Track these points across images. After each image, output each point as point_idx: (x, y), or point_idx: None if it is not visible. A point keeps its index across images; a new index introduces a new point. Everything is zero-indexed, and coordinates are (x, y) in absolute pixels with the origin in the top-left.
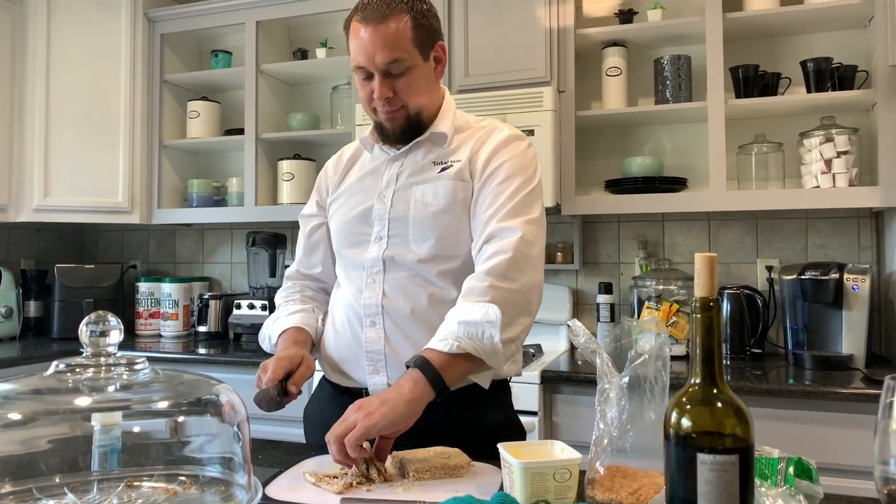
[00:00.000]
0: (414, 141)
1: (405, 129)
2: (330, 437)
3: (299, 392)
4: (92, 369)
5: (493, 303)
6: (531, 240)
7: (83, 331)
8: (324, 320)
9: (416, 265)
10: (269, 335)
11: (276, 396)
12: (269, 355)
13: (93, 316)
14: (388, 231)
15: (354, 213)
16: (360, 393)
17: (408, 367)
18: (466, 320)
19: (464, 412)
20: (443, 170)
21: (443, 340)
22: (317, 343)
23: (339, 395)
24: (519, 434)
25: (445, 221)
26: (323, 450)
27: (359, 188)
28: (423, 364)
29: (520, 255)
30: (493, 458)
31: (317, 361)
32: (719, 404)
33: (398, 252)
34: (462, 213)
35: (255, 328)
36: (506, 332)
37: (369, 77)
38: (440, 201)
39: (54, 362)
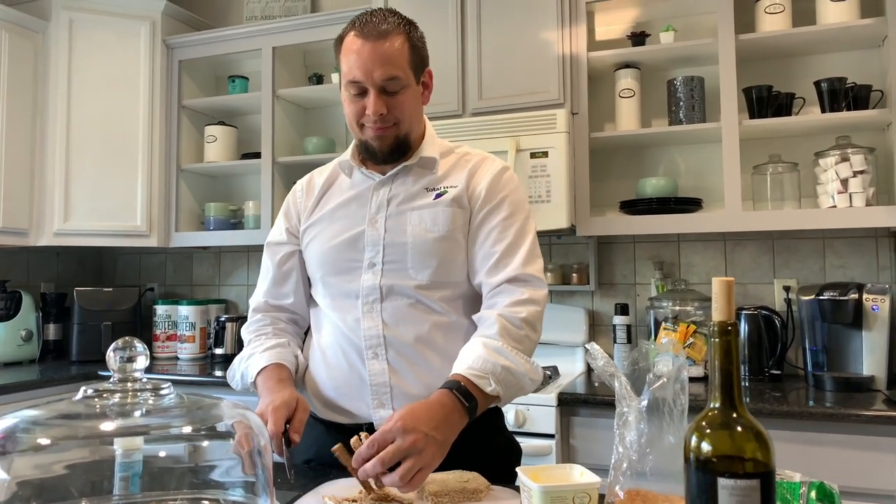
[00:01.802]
0: (402, 165)
1: (393, 149)
2: (374, 462)
3: (299, 439)
4: (119, 394)
5: (528, 353)
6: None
7: (111, 357)
8: (299, 353)
9: (416, 292)
10: (242, 373)
11: (288, 455)
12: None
13: (120, 342)
14: (383, 257)
15: (341, 239)
16: (360, 429)
17: (448, 388)
18: (511, 369)
19: (471, 435)
20: (438, 196)
21: (484, 378)
22: (297, 379)
23: (335, 435)
24: (519, 452)
25: (445, 247)
26: (341, 475)
27: (343, 214)
28: (472, 411)
29: (544, 309)
30: (502, 480)
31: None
32: (739, 428)
33: (396, 279)
34: (461, 238)
35: None
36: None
37: (362, 93)
38: (440, 227)
39: (82, 388)
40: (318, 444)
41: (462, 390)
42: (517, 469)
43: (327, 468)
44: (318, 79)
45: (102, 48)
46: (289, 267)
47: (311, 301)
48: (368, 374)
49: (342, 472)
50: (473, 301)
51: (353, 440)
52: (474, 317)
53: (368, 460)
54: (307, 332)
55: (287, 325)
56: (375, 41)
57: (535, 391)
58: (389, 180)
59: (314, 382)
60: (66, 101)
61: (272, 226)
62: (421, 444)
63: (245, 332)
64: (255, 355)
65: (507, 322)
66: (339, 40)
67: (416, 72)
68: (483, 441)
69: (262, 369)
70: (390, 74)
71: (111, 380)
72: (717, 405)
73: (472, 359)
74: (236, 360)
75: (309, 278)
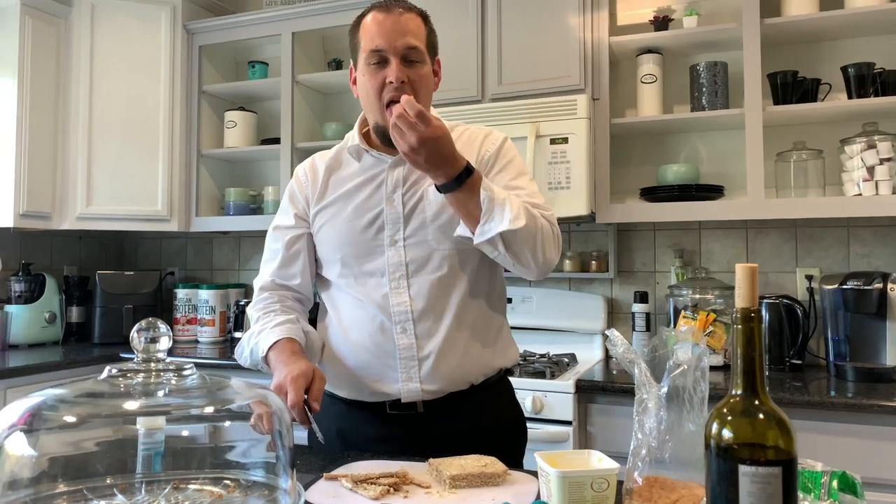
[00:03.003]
0: None
1: None
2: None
3: (319, 408)
4: (143, 374)
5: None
6: None
7: (134, 337)
8: (310, 329)
9: (441, 263)
10: (252, 349)
11: (309, 423)
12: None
13: (143, 323)
14: (404, 233)
15: (363, 220)
16: (383, 406)
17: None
18: (531, 202)
19: (484, 409)
20: None
21: (488, 191)
22: (311, 357)
23: (358, 410)
24: (524, 425)
25: None
26: (359, 457)
27: (358, 196)
28: (467, 170)
29: (554, 229)
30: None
31: None
32: (761, 416)
33: (420, 253)
34: None
35: None
36: (546, 250)
37: (382, 62)
38: None
39: (107, 367)
40: (340, 419)
41: (470, 169)
42: (536, 454)
43: (349, 447)
44: (338, 64)
45: (124, 33)
46: (297, 249)
47: (319, 282)
48: (397, 349)
49: (362, 451)
50: (496, 267)
51: None
52: None
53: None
54: (316, 313)
55: (294, 304)
56: (399, 14)
57: (553, 378)
58: (402, 160)
59: (336, 362)
60: (88, 86)
61: None
62: (421, 142)
63: (252, 309)
64: (266, 331)
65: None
66: (358, 22)
67: (430, 54)
68: (488, 409)
69: (273, 344)
70: (412, 44)
71: (135, 360)
72: (740, 392)
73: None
74: (244, 336)
75: (317, 261)
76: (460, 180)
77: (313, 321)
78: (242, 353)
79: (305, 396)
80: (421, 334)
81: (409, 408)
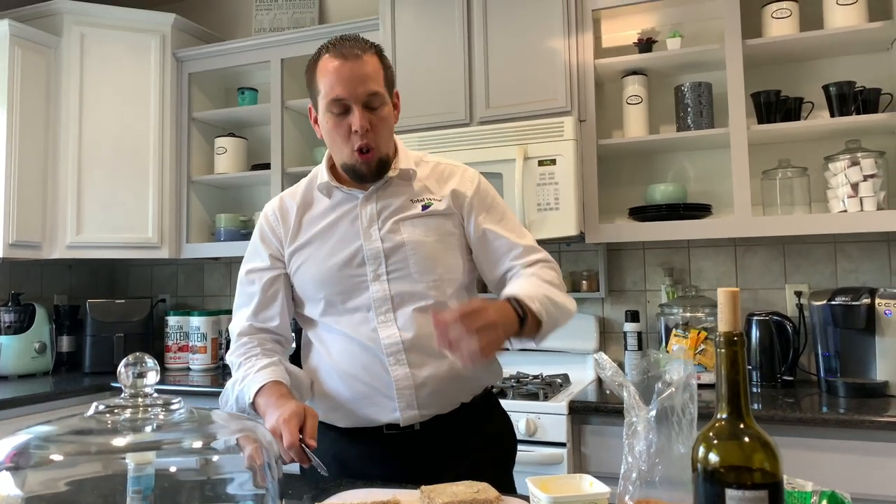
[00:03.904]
0: (384, 179)
1: (378, 169)
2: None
3: (315, 444)
4: (130, 410)
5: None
6: None
7: (122, 372)
8: (294, 370)
9: (426, 293)
10: (238, 396)
11: (308, 462)
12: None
13: (131, 357)
14: (386, 267)
15: (339, 258)
16: (380, 430)
17: (509, 301)
18: (551, 296)
19: (475, 424)
20: (425, 207)
21: (531, 299)
22: (300, 396)
23: (353, 436)
24: (513, 435)
25: (442, 249)
26: (351, 485)
27: (332, 234)
28: (523, 321)
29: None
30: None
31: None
32: (746, 439)
33: (405, 286)
34: (454, 241)
35: None
36: (566, 309)
37: (345, 112)
38: (433, 233)
39: (94, 403)
40: (337, 445)
41: (515, 300)
42: (527, 480)
43: (345, 470)
44: None
45: (113, 62)
46: (275, 290)
47: (301, 320)
48: (393, 380)
49: (359, 473)
50: (473, 289)
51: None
52: (508, 276)
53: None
54: (297, 352)
55: (274, 346)
56: (355, 60)
57: (546, 399)
58: (373, 194)
59: (329, 397)
60: (77, 114)
61: None
62: (493, 318)
63: (232, 357)
64: (250, 376)
65: (547, 273)
66: (312, 66)
67: (389, 91)
68: (479, 424)
69: (259, 389)
70: (372, 90)
71: (122, 395)
72: (725, 416)
73: (518, 286)
74: (228, 384)
75: (294, 301)
76: (524, 320)
77: (296, 360)
78: (228, 402)
79: (301, 436)
80: (414, 363)
81: (406, 427)
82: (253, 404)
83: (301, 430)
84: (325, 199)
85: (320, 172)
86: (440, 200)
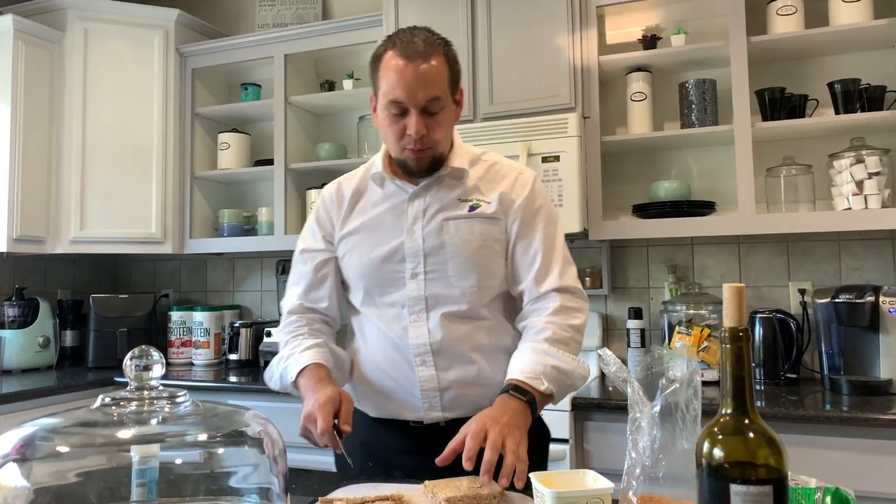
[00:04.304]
0: (434, 176)
1: (430, 167)
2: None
3: (350, 428)
4: (135, 403)
5: (575, 355)
6: None
7: (127, 365)
8: (339, 351)
9: (461, 298)
10: (282, 373)
11: (343, 445)
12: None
13: (136, 350)
14: (425, 267)
15: (381, 251)
16: (406, 423)
17: (506, 391)
18: (561, 368)
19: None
20: (472, 208)
21: (537, 379)
22: (342, 377)
23: (381, 425)
24: (548, 434)
25: (484, 256)
26: (355, 480)
27: (379, 226)
28: (532, 404)
29: (587, 316)
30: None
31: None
32: (751, 434)
33: (440, 288)
34: (498, 248)
35: None
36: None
37: (403, 113)
38: (476, 237)
39: (100, 396)
40: (364, 431)
41: (517, 389)
42: (530, 475)
43: (372, 458)
44: (330, 85)
45: (117, 58)
46: (325, 273)
47: (347, 306)
48: (419, 380)
49: (385, 463)
50: (511, 302)
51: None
52: (521, 324)
53: (472, 456)
54: (345, 334)
55: (321, 326)
56: (420, 63)
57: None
58: (423, 190)
59: (364, 382)
60: (81, 110)
61: (285, 232)
62: (507, 430)
63: (281, 333)
64: (294, 356)
65: (556, 328)
66: (377, 58)
67: (452, 90)
68: None
69: (301, 370)
70: (433, 95)
71: (128, 388)
72: (729, 411)
73: (523, 364)
74: (274, 360)
75: (343, 284)
76: (532, 404)
77: (341, 342)
78: (273, 377)
79: (336, 421)
80: (441, 367)
81: (431, 423)
82: (295, 384)
83: (336, 416)
84: (378, 189)
85: (376, 161)
86: (489, 203)
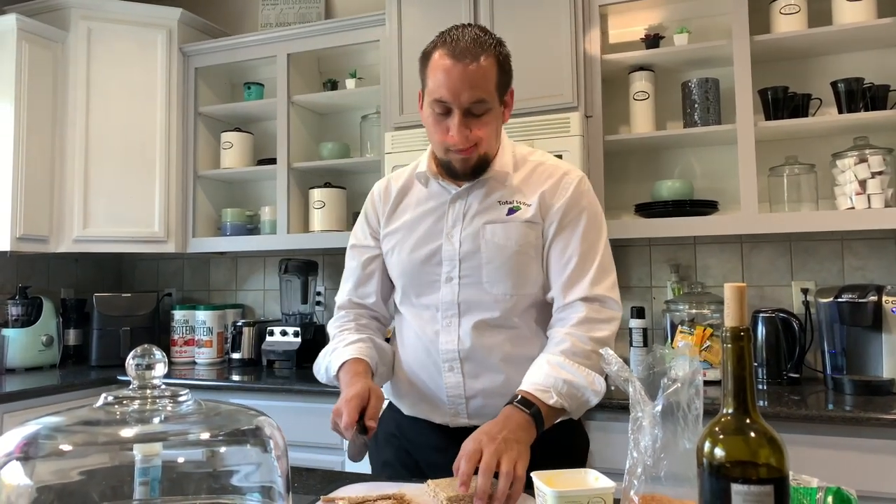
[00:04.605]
0: (477, 179)
1: (475, 169)
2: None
3: (376, 425)
4: (138, 401)
5: (594, 370)
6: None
7: (130, 364)
8: (384, 345)
9: (493, 305)
10: (326, 366)
11: (364, 444)
12: (335, 390)
13: (139, 349)
14: (460, 272)
15: (421, 253)
16: (436, 424)
17: (509, 402)
18: (573, 382)
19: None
20: (511, 211)
21: (546, 392)
22: (377, 372)
23: (413, 422)
24: (586, 440)
25: (519, 262)
26: (357, 479)
27: (419, 226)
28: (537, 417)
29: (617, 327)
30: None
31: (386, 390)
32: (752, 434)
33: (473, 294)
34: (534, 253)
35: (288, 355)
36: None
37: (447, 113)
38: (513, 243)
39: (103, 395)
40: (394, 424)
41: (522, 401)
42: (532, 474)
43: (401, 451)
44: (333, 85)
45: (120, 57)
46: (372, 269)
47: (393, 303)
48: (445, 386)
49: (414, 457)
50: (546, 310)
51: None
52: (548, 333)
53: (467, 481)
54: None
55: (369, 321)
56: (468, 64)
57: None
58: (465, 192)
59: (400, 383)
60: (84, 109)
61: (288, 231)
62: (503, 447)
63: (330, 327)
64: (338, 350)
65: (575, 339)
66: (426, 55)
67: (500, 93)
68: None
69: (342, 364)
70: (478, 97)
71: (130, 387)
72: (731, 411)
73: (535, 376)
74: (322, 353)
75: (391, 281)
76: (537, 417)
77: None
78: (319, 370)
79: (363, 416)
80: (468, 374)
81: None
82: (337, 377)
83: (364, 413)
84: (423, 188)
85: (423, 159)
86: (528, 206)
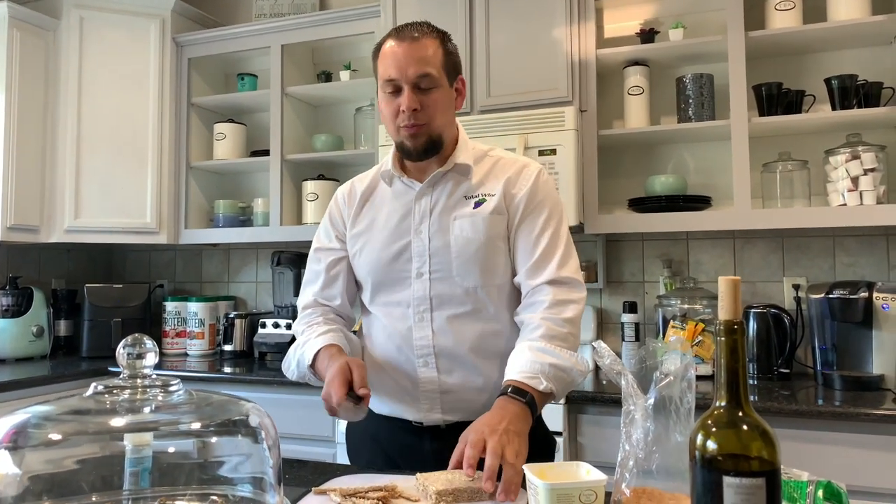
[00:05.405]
0: (438, 171)
1: (427, 147)
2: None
3: (368, 390)
4: (128, 391)
5: (573, 349)
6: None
7: (120, 353)
8: (353, 337)
9: (465, 298)
10: (298, 359)
11: (359, 409)
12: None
13: (129, 339)
14: (430, 266)
15: (390, 251)
16: (409, 422)
17: (504, 392)
18: (559, 365)
19: None
20: (477, 204)
21: (535, 378)
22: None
23: (385, 422)
24: (553, 444)
25: (487, 253)
26: (348, 471)
27: (387, 225)
28: (532, 405)
29: (583, 307)
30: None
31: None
32: (745, 427)
33: (445, 288)
34: (501, 244)
35: (281, 347)
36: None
37: (397, 91)
38: (480, 235)
39: (93, 384)
40: (371, 424)
41: (515, 390)
42: (524, 466)
43: (378, 454)
44: (327, 76)
45: (113, 46)
46: (337, 271)
47: (360, 305)
48: (420, 381)
49: (385, 462)
50: (517, 299)
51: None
52: (517, 319)
53: (473, 465)
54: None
55: (336, 318)
56: (411, 42)
57: None
58: (429, 188)
59: (370, 384)
60: (76, 98)
61: (281, 223)
62: (506, 438)
63: (297, 325)
64: (310, 341)
65: (550, 323)
66: (376, 50)
67: (449, 75)
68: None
69: (317, 352)
70: (423, 71)
71: (121, 376)
72: (723, 404)
73: (520, 363)
74: (291, 349)
75: (357, 283)
76: (531, 404)
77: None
78: (290, 367)
79: (352, 390)
80: (443, 369)
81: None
82: (313, 368)
83: (351, 386)
84: (388, 188)
85: (388, 159)
86: (493, 195)
